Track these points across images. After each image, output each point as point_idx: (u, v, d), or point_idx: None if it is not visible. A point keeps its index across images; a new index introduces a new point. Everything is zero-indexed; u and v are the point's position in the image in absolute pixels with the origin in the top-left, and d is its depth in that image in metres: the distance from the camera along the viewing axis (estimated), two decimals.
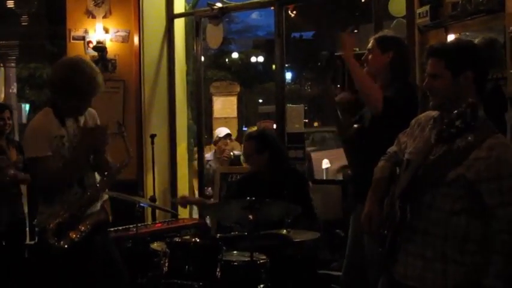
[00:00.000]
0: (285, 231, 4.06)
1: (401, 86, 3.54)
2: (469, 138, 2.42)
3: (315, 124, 19.35)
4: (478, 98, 2.50)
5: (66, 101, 3.43)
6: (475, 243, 2.48)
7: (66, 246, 3.25)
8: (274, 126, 6.69)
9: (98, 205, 3.51)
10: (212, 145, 7.87)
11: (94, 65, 3.55)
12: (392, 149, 2.88)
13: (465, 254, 2.49)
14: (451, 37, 4.50)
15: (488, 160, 2.42)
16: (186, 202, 5.33)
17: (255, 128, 7.24)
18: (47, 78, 3.53)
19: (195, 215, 6.65)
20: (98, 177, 3.61)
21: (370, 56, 3.65)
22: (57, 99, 3.47)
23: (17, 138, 6.85)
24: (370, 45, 3.67)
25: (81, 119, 3.56)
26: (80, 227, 3.33)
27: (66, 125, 3.46)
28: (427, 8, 4.61)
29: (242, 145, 5.23)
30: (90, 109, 3.64)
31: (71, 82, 3.38)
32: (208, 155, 7.34)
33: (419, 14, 4.73)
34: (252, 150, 4.58)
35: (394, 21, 5.40)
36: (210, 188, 6.77)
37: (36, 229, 3.53)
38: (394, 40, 3.66)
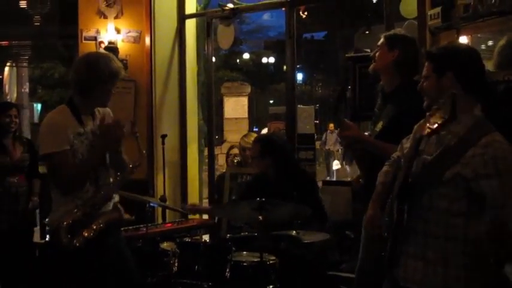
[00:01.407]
0: (294, 232, 4.07)
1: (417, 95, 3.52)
2: (455, 128, 2.51)
3: (330, 125, 19.33)
4: (474, 103, 2.59)
5: (94, 93, 3.42)
6: (474, 245, 2.49)
7: (78, 244, 3.26)
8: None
9: (111, 204, 3.52)
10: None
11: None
12: (395, 154, 2.92)
13: (465, 256, 2.50)
14: (462, 39, 4.48)
15: (483, 157, 2.44)
16: (195, 210, 5.36)
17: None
18: (73, 74, 3.50)
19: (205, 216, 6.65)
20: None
21: (378, 53, 3.65)
22: (83, 93, 3.44)
23: (28, 137, 6.89)
24: (379, 42, 3.67)
25: (97, 118, 3.55)
26: (92, 225, 3.34)
27: (84, 123, 3.45)
28: (438, 9, 4.59)
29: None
30: (104, 108, 3.64)
31: (103, 69, 3.40)
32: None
33: (430, 15, 4.70)
34: (256, 154, 4.62)
35: (406, 23, 5.38)
36: None
37: (47, 228, 3.54)
38: (403, 39, 3.63)
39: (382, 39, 3.66)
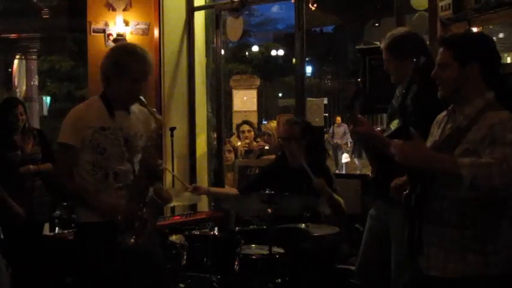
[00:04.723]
0: (303, 225, 4.05)
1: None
2: (467, 110, 2.52)
3: (337, 118, 19.25)
4: (487, 89, 2.56)
5: (119, 87, 3.31)
6: (492, 231, 2.48)
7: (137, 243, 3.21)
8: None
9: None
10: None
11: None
12: None
13: (483, 242, 2.48)
14: (474, 31, 4.44)
15: (482, 130, 2.44)
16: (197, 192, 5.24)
17: (274, 123, 7.23)
18: (100, 65, 3.42)
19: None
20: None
21: (391, 65, 3.50)
22: (109, 86, 3.35)
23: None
24: (384, 55, 3.52)
25: (133, 115, 3.43)
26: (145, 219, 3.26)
27: (116, 117, 3.34)
28: (449, 0, 4.55)
29: (282, 129, 5.10)
30: (143, 109, 3.47)
31: (124, 64, 3.29)
32: None
33: (441, 7, 4.66)
34: (295, 135, 4.50)
35: (416, 14, 5.34)
36: None
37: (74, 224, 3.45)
38: (408, 41, 3.44)
39: (386, 53, 3.48)
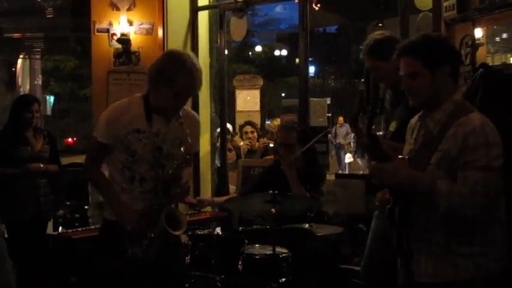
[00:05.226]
0: (307, 225, 4.06)
1: None
2: (437, 115, 2.55)
3: (340, 119, 19.24)
4: (455, 89, 2.60)
5: (159, 97, 3.16)
6: (478, 234, 2.48)
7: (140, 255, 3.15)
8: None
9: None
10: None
11: (197, 62, 3.21)
12: None
13: (470, 246, 2.49)
14: (478, 31, 4.43)
15: (457, 140, 2.44)
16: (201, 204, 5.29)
17: (277, 121, 7.24)
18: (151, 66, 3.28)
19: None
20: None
21: (379, 71, 3.48)
22: (151, 91, 3.21)
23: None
24: (369, 63, 3.50)
25: (176, 120, 3.22)
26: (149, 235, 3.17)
27: (153, 121, 3.22)
28: (453, 1, 4.54)
29: (279, 135, 5.14)
30: (191, 113, 3.38)
31: (168, 75, 3.11)
32: None
33: (445, 7, 4.65)
34: (293, 140, 4.56)
35: (420, 15, 5.33)
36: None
37: (90, 220, 3.43)
38: (388, 42, 3.42)
39: (368, 58, 3.49)
